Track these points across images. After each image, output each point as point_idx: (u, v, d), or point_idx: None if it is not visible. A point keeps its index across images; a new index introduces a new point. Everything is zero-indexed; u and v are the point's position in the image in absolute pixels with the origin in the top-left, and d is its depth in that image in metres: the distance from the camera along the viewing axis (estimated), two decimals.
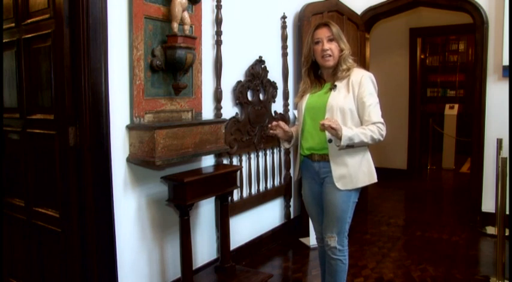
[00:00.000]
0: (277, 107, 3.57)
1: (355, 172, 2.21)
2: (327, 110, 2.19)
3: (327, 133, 2.14)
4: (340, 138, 2.04)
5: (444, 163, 7.11)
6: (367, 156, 2.27)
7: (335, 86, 2.22)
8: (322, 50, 2.22)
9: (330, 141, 2.17)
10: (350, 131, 2.07)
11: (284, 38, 3.62)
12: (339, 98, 2.19)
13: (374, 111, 2.17)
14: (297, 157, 2.39)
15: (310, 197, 2.40)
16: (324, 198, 2.29)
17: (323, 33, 2.23)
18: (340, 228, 2.25)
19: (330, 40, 2.22)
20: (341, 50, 2.23)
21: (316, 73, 2.35)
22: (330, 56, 2.21)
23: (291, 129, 2.36)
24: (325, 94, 2.25)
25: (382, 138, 2.17)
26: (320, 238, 2.43)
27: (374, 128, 2.14)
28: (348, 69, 2.23)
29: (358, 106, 2.18)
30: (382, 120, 2.18)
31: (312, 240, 3.53)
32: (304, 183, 2.41)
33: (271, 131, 2.31)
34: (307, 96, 2.32)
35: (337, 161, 2.20)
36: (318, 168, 2.27)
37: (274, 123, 2.29)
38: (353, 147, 2.15)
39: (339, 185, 2.20)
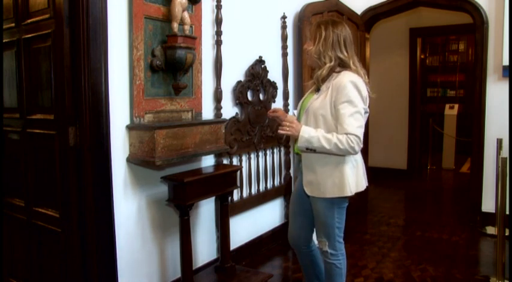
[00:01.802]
0: (277, 107, 3.57)
1: (324, 181, 2.11)
2: (304, 113, 2.17)
3: None
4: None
5: (444, 163, 7.11)
6: (343, 168, 2.09)
7: (319, 88, 2.18)
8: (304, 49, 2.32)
9: None
10: (309, 133, 1.99)
11: (284, 38, 3.62)
12: (317, 101, 2.13)
13: (348, 122, 1.98)
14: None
15: (294, 194, 2.40)
16: (310, 202, 2.26)
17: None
18: (329, 234, 2.19)
19: (309, 40, 2.23)
20: (316, 51, 2.14)
21: None
22: (308, 55, 2.23)
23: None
24: (312, 96, 2.23)
25: (352, 152, 1.99)
26: (294, 238, 2.40)
27: (343, 138, 1.97)
28: (328, 73, 2.12)
29: (335, 113, 2.05)
30: (357, 132, 1.98)
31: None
32: (298, 180, 2.40)
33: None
34: (305, 95, 2.33)
35: (308, 165, 2.17)
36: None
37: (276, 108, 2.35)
38: (315, 151, 2.03)
39: (306, 189, 2.18)
